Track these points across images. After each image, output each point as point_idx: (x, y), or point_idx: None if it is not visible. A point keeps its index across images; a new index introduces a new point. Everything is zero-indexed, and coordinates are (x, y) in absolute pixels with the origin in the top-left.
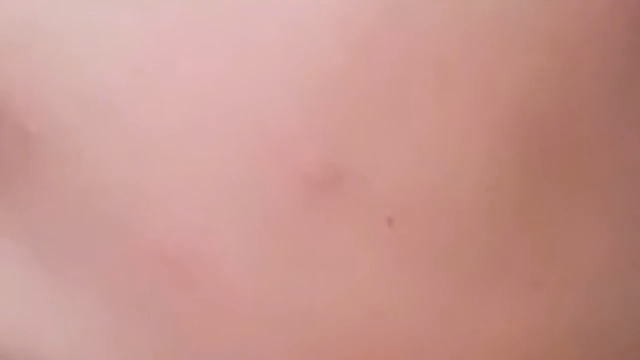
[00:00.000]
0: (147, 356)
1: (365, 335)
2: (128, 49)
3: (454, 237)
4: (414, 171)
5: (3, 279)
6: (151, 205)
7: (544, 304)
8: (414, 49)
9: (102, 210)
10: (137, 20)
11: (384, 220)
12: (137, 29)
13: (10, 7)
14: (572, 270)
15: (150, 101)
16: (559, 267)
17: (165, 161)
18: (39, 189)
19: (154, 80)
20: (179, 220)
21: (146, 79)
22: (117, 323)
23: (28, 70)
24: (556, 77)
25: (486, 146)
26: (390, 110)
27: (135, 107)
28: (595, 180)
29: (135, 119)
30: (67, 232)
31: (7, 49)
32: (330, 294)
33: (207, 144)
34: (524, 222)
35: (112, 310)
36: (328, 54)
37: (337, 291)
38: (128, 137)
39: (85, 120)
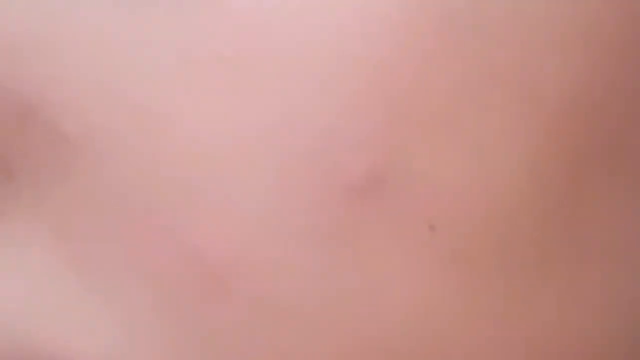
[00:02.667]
0: None
1: (405, 341)
2: (165, 51)
3: (495, 242)
4: (456, 177)
5: (40, 283)
6: (191, 210)
7: (585, 306)
8: (459, 55)
9: (140, 215)
10: (174, 22)
11: (426, 226)
12: (175, 31)
13: (39, 6)
14: (617, 271)
15: (189, 104)
16: (601, 269)
17: (204, 166)
18: (75, 191)
19: (194, 83)
20: (218, 226)
21: (186, 82)
22: (153, 329)
23: (60, 71)
24: (597, 79)
25: (529, 151)
26: (432, 116)
27: (174, 111)
28: (638, 178)
29: (174, 122)
30: (104, 236)
31: (37, 49)
32: (371, 301)
33: (246, 151)
34: (567, 225)
35: (149, 316)
36: (370, 60)
37: (378, 298)
38: (167, 140)
39: (123, 122)
